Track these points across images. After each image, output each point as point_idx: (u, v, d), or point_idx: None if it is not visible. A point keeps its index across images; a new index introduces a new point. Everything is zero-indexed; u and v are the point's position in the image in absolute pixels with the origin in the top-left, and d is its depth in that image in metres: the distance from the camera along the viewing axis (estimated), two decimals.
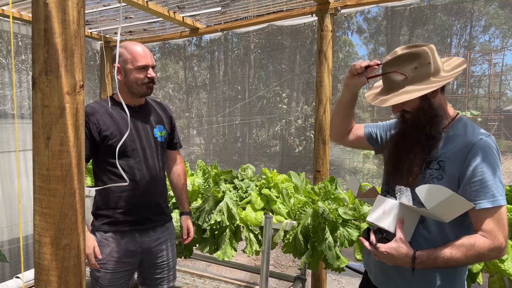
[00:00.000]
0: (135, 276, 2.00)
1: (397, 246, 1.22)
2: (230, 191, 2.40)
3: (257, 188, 2.44)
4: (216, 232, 2.31)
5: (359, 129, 1.59)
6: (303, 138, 8.63)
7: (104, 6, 3.05)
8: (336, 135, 1.62)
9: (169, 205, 2.47)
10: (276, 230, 2.22)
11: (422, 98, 1.24)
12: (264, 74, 8.62)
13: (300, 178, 2.53)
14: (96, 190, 1.82)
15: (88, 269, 1.99)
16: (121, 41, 1.63)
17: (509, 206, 1.72)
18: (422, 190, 1.19)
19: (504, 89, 18.28)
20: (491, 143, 1.20)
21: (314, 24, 3.11)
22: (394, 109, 1.32)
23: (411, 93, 1.21)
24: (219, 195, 2.32)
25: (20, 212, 3.32)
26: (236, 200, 2.35)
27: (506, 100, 17.50)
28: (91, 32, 3.85)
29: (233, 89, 7.89)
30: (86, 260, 1.70)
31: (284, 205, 2.28)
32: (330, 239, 2.02)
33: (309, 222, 2.07)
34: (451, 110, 1.33)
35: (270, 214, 2.24)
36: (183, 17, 3.29)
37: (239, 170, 2.78)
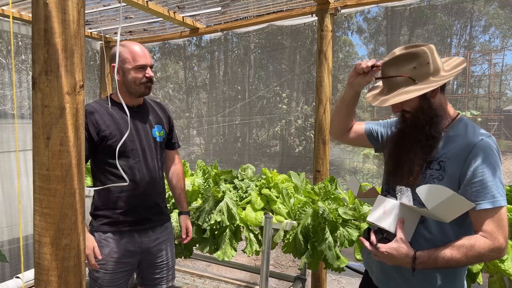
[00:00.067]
0: (134, 276, 2.00)
1: (398, 246, 1.22)
2: (230, 191, 2.40)
3: (257, 188, 2.43)
4: (216, 232, 2.31)
5: (359, 127, 1.60)
6: (303, 138, 8.63)
7: (104, 6, 3.05)
8: (336, 133, 1.62)
9: (169, 205, 2.47)
10: (276, 230, 2.22)
11: (422, 98, 1.25)
12: (264, 74, 8.62)
13: (300, 178, 2.53)
14: (94, 190, 1.82)
15: (86, 270, 1.99)
16: (120, 41, 1.63)
17: (509, 206, 1.72)
18: (422, 190, 1.19)
19: (504, 89, 18.29)
20: (491, 143, 1.20)
21: (314, 24, 3.11)
22: (394, 109, 1.33)
23: (410, 93, 1.21)
24: (219, 195, 2.32)
25: (20, 212, 3.32)
26: (236, 200, 2.35)
27: (506, 100, 17.50)
28: (91, 32, 3.85)
29: (233, 89, 7.89)
30: (86, 261, 1.70)
31: (284, 205, 2.28)
32: (330, 239, 2.02)
33: (309, 222, 2.07)
34: (451, 110, 1.33)
35: (270, 214, 2.24)
36: (183, 17, 3.29)
37: (239, 170, 2.78)
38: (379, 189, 1.58)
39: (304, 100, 8.66)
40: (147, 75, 1.76)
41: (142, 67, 1.75)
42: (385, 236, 1.28)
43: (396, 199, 1.32)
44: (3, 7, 3.04)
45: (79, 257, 0.94)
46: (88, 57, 4.09)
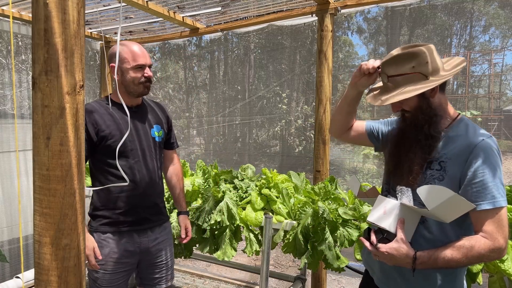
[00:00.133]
0: (133, 276, 1.99)
1: (398, 246, 1.22)
2: (230, 191, 2.40)
3: (257, 188, 2.43)
4: (216, 232, 2.31)
5: (360, 126, 1.60)
6: (303, 138, 8.63)
7: (104, 6, 3.05)
8: (337, 131, 1.62)
9: (169, 205, 2.47)
10: (276, 230, 2.22)
11: (421, 97, 1.25)
12: (264, 74, 8.62)
13: (300, 178, 2.53)
14: (93, 190, 1.81)
15: (86, 270, 1.99)
16: (120, 41, 1.63)
17: (509, 206, 1.72)
18: (423, 191, 1.19)
19: (504, 89, 18.29)
20: (492, 144, 1.20)
21: (314, 24, 3.11)
22: (393, 109, 1.33)
23: (409, 92, 1.21)
24: (219, 195, 2.32)
25: (20, 212, 3.32)
26: (236, 200, 2.35)
27: (506, 100, 17.50)
28: (91, 32, 3.85)
29: (233, 89, 7.89)
30: (86, 261, 1.70)
31: (284, 205, 2.28)
32: (330, 239, 2.02)
33: (309, 222, 2.07)
34: (451, 110, 1.33)
35: (270, 214, 2.24)
36: (183, 17, 3.29)
37: (239, 170, 2.78)
38: (379, 189, 1.58)
39: (304, 100, 8.67)
40: (145, 74, 1.76)
41: (141, 67, 1.74)
42: (385, 236, 1.28)
43: (397, 199, 1.32)
44: (3, 7, 3.04)
45: (79, 257, 0.94)
46: (88, 57, 4.09)
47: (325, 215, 2.01)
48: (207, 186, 2.48)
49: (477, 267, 1.80)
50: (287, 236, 2.14)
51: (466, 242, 1.17)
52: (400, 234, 1.24)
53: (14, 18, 3.21)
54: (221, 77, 8.41)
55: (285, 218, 2.23)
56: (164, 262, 1.94)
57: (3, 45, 3.48)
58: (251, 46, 8.09)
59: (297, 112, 8.90)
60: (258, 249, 2.29)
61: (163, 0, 2.97)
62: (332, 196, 2.22)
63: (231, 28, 3.45)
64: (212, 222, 2.25)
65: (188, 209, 2.29)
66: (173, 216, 2.35)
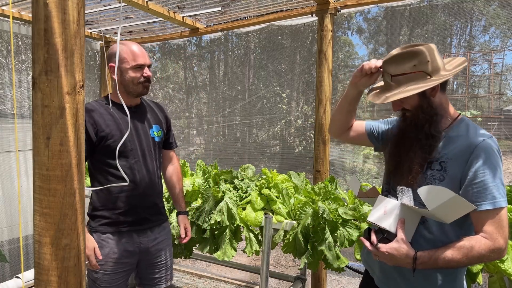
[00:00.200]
0: (133, 276, 1.99)
1: (398, 246, 1.22)
2: (230, 191, 2.40)
3: (257, 188, 2.43)
4: (216, 232, 2.31)
5: (359, 126, 1.59)
6: (303, 138, 8.63)
7: (104, 6, 3.05)
8: (336, 131, 1.62)
9: (169, 205, 2.47)
10: (276, 230, 2.22)
11: (421, 96, 1.25)
12: (264, 74, 8.62)
13: (300, 178, 2.53)
14: (92, 190, 1.81)
15: (85, 270, 1.98)
16: (120, 41, 1.63)
17: (509, 206, 1.72)
18: (423, 191, 1.19)
19: (504, 89, 18.29)
20: (493, 144, 1.21)
21: (314, 24, 3.10)
22: (394, 108, 1.33)
23: (410, 91, 1.22)
24: (219, 195, 2.32)
25: (20, 212, 3.32)
26: (236, 200, 2.35)
27: (506, 100, 17.50)
28: (91, 32, 3.85)
29: (233, 89, 7.89)
30: (87, 261, 1.69)
31: (284, 205, 2.28)
32: (330, 239, 2.02)
33: (309, 222, 2.07)
34: (452, 110, 1.33)
35: (270, 214, 2.24)
36: (183, 17, 3.29)
37: (239, 170, 2.78)
38: (379, 189, 1.58)
39: (304, 100, 8.67)
40: (145, 74, 1.76)
41: (140, 67, 1.74)
42: (385, 236, 1.28)
43: (397, 199, 1.32)
44: (3, 7, 3.04)
45: (79, 257, 0.94)
46: (88, 57, 4.09)
47: (325, 215, 2.01)
48: (207, 186, 2.48)
49: (477, 267, 1.80)
50: (287, 236, 2.14)
51: (467, 242, 1.18)
52: (400, 234, 1.24)
53: (14, 18, 3.21)
54: (221, 77, 8.41)
55: (285, 218, 2.23)
56: (164, 262, 1.94)
57: (3, 45, 3.48)
58: (251, 46, 8.09)
59: (297, 112, 8.90)
60: (258, 249, 2.29)
61: (163, 0, 2.97)
62: (332, 196, 2.22)
63: (231, 28, 3.45)
64: (212, 222, 2.25)
65: (187, 209, 2.29)
66: (173, 216, 2.35)
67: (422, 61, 1.22)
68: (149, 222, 1.86)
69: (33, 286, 2.70)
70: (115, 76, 1.72)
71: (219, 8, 3.09)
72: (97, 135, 1.70)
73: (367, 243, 1.30)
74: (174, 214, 2.35)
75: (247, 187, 2.51)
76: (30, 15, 1.20)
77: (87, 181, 2.90)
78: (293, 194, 2.33)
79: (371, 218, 1.31)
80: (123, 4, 2.81)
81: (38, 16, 0.84)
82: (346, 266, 2.07)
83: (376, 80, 1.39)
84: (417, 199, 1.26)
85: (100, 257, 1.71)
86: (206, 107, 8.01)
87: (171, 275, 2.01)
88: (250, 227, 2.30)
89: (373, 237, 1.29)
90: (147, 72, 1.76)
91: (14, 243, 3.32)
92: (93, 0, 3.02)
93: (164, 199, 2.39)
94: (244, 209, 2.33)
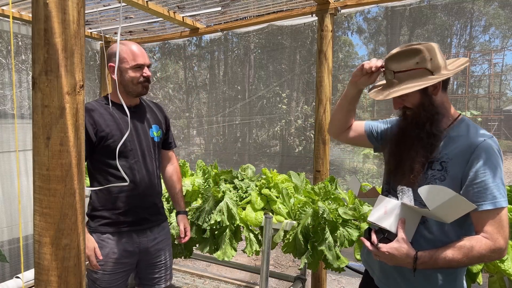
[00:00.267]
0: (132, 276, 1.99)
1: (399, 246, 1.22)
2: (230, 191, 2.39)
3: (257, 188, 2.43)
4: (216, 232, 2.31)
5: (359, 126, 1.60)
6: (303, 138, 8.63)
7: (104, 6, 3.05)
8: (336, 130, 1.62)
9: (169, 205, 2.47)
10: (276, 230, 2.22)
11: (423, 94, 1.25)
12: (264, 74, 8.62)
13: (300, 178, 2.53)
14: (91, 191, 1.81)
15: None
16: (120, 41, 1.63)
17: (510, 206, 1.72)
18: (424, 191, 1.19)
19: (504, 89, 18.29)
20: (493, 145, 1.21)
21: (314, 24, 3.10)
22: (395, 105, 1.33)
23: (412, 87, 1.22)
24: (219, 195, 2.32)
25: (20, 212, 3.32)
26: (236, 200, 2.35)
27: (506, 100, 17.50)
28: (91, 32, 3.85)
29: (233, 89, 7.89)
30: (87, 262, 1.69)
31: (284, 205, 2.28)
32: (330, 239, 2.02)
33: (309, 222, 2.07)
34: (452, 110, 1.33)
35: (270, 214, 2.24)
36: (183, 17, 3.29)
37: (239, 170, 2.78)
38: (379, 189, 1.58)
39: (304, 100, 8.67)
40: (144, 74, 1.76)
41: (140, 67, 1.74)
42: (386, 236, 1.28)
43: (397, 199, 1.32)
44: (3, 7, 3.04)
45: (79, 257, 0.94)
46: (88, 57, 4.09)
47: (325, 215, 2.01)
48: (207, 186, 2.48)
49: (477, 267, 1.80)
50: (287, 236, 2.14)
51: (467, 242, 1.18)
52: (401, 234, 1.24)
53: (14, 18, 3.21)
54: (221, 77, 8.41)
55: (285, 218, 2.23)
56: (163, 262, 1.94)
57: (3, 45, 3.48)
58: (251, 46, 8.09)
59: (297, 112, 8.90)
60: (258, 249, 2.29)
61: (163, 0, 2.97)
62: (332, 196, 2.22)
63: (231, 28, 3.45)
64: (212, 222, 2.25)
65: (187, 209, 2.29)
66: (173, 216, 2.34)
67: (424, 58, 1.23)
68: (148, 222, 1.86)
69: (33, 286, 2.70)
70: (114, 76, 1.72)
71: (219, 8, 3.09)
72: (97, 135, 1.70)
73: (368, 243, 1.30)
74: (174, 214, 2.35)
75: (247, 187, 2.51)
76: (30, 15, 1.20)
77: (86, 181, 2.90)
78: (293, 194, 2.33)
79: (372, 218, 1.31)
80: (123, 4, 2.80)
81: (38, 16, 0.84)
82: (346, 266, 2.07)
83: (375, 79, 1.39)
84: (417, 198, 1.26)
85: (101, 257, 1.71)
86: (206, 107, 8.01)
87: (170, 275, 2.01)
88: (250, 227, 2.30)
89: (374, 237, 1.29)
90: (146, 72, 1.76)
91: (14, 243, 3.32)
92: (93, 0, 3.02)
93: (163, 199, 2.40)
94: (244, 209, 2.33)
